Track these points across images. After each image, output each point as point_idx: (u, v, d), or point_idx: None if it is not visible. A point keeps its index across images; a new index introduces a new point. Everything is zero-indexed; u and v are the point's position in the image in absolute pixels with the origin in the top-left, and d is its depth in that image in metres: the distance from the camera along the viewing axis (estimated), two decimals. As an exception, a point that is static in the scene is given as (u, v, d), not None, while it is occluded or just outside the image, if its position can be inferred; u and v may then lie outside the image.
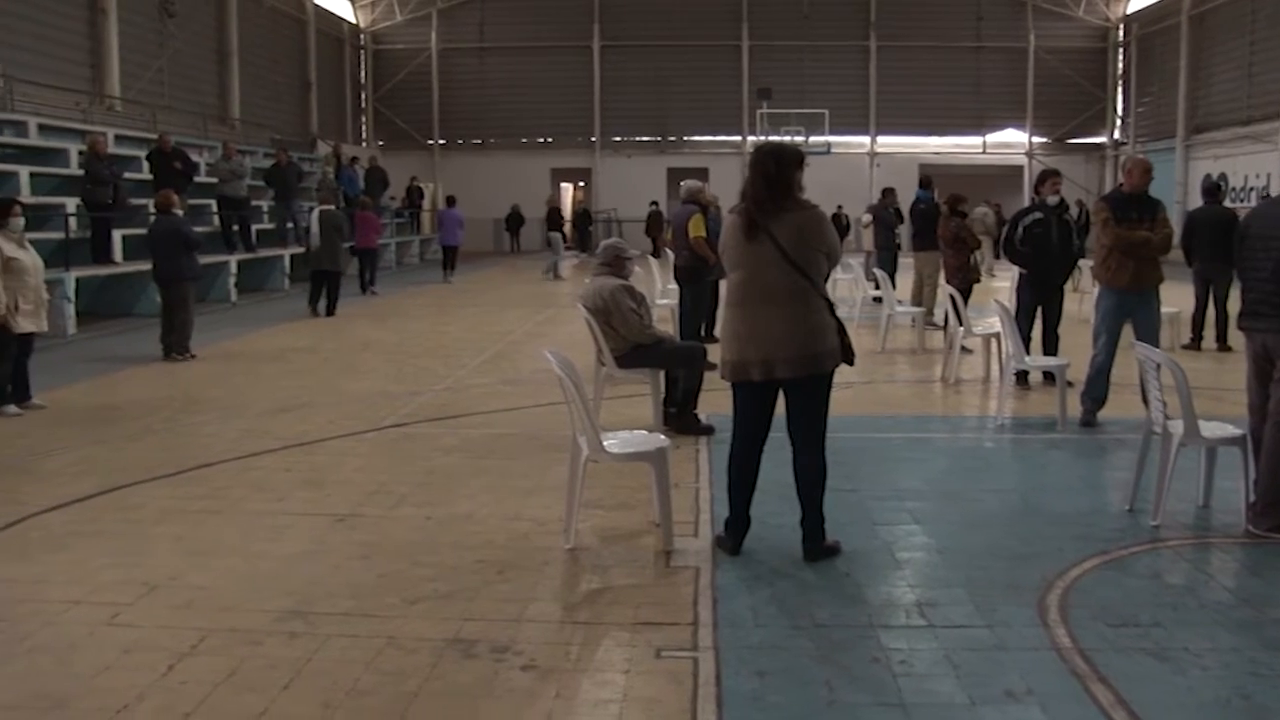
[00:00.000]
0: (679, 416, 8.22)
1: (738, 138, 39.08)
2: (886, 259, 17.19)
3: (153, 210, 18.26)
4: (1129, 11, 38.00)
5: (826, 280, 5.36)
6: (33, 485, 7.09)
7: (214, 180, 20.78)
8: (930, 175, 16.91)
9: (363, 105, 41.13)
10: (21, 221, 9.57)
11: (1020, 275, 10.29)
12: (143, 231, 17.91)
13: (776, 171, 5.21)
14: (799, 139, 30.24)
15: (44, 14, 22.25)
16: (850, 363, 5.39)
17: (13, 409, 9.40)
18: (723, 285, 12.59)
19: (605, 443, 5.58)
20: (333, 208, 18.84)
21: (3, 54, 20.82)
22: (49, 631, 4.62)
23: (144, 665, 4.26)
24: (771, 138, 33.60)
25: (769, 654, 4.31)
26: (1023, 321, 9.81)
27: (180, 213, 13.56)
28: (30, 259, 9.52)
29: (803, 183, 5.30)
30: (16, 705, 3.97)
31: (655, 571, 5.32)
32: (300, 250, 21.01)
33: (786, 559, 5.39)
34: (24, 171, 17.22)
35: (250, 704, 3.94)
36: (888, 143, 38.99)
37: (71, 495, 6.77)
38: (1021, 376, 10.02)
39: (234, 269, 19.73)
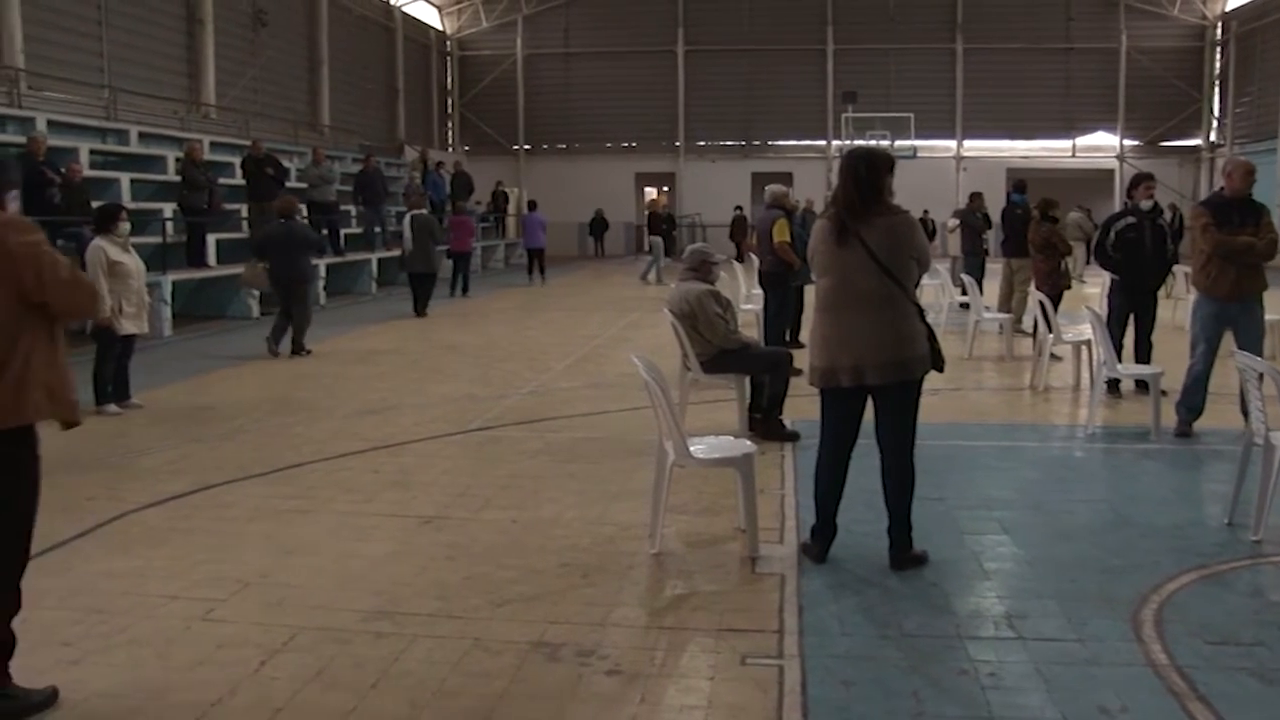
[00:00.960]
0: (764, 422, 8.18)
1: (822, 142, 38.82)
2: (974, 264, 16.95)
3: (244, 215, 18.77)
4: (1228, 9, 36.99)
5: (917, 286, 5.30)
6: (131, 483, 7.28)
7: (303, 185, 21.14)
8: (1024, 179, 16.62)
9: (449, 111, 41.56)
10: (127, 227, 9.87)
11: (1112, 281, 10.09)
12: (237, 235, 18.38)
13: (867, 175, 5.16)
14: (884, 143, 29.95)
15: (146, 27, 22.90)
16: (940, 369, 5.33)
17: (113, 408, 9.66)
18: (808, 290, 12.65)
19: (691, 448, 5.58)
20: (425, 211, 19.17)
21: (110, 67, 21.47)
22: (148, 624, 4.75)
23: (237, 660, 4.35)
24: (857, 142, 33.40)
25: (855, 663, 4.26)
26: (1115, 328, 9.60)
27: (301, 217, 14.13)
28: (133, 263, 9.80)
29: (893, 187, 5.26)
30: (118, 694, 4.09)
31: (740, 578, 5.30)
32: (390, 254, 21.33)
33: (872, 567, 5.33)
34: (125, 178, 17.70)
35: (339, 701, 4.00)
36: (974, 146, 38.41)
37: (168, 493, 6.94)
38: (1113, 384, 9.82)
39: (322, 272, 20.06)
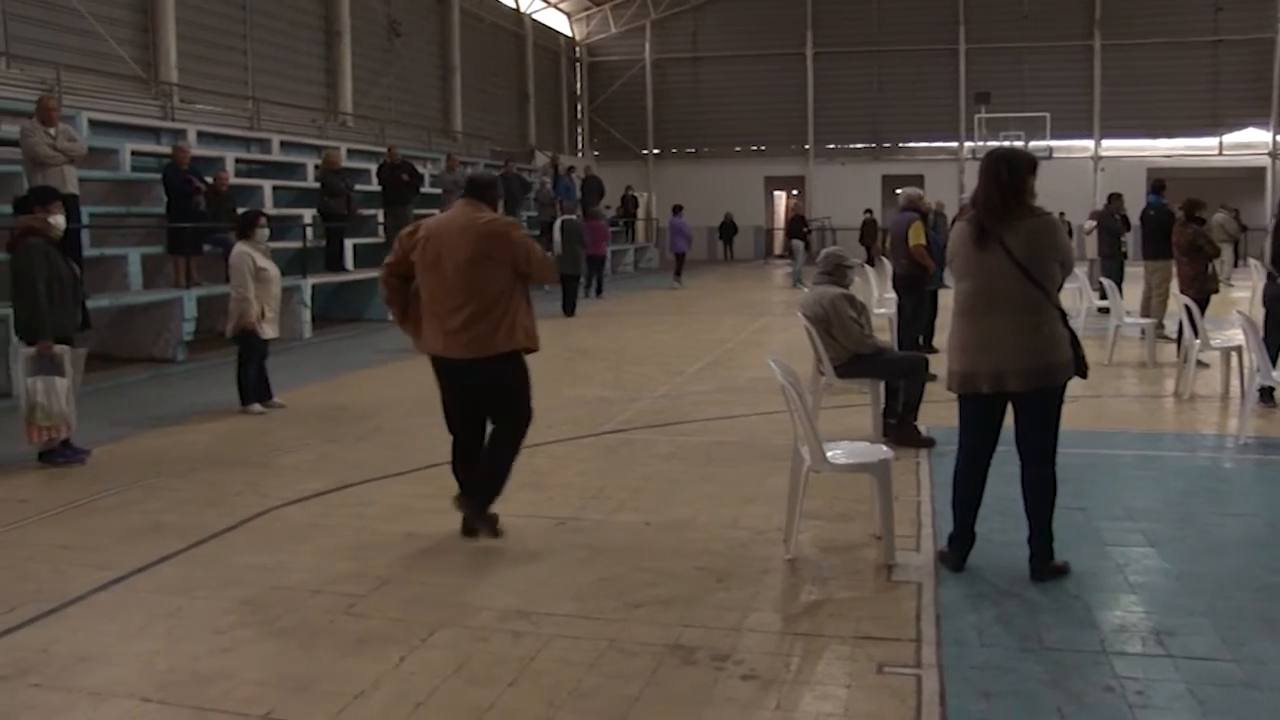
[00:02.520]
0: (899, 428, 8.08)
1: (953, 144, 38.08)
2: (1111, 267, 16.44)
3: (381, 221, 19.19)
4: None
5: (1059, 290, 5.17)
6: (274, 480, 7.53)
7: (438, 191, 21.53)
8: (1163, 179, 16.09)
9: (579, 116, 41.93)
10: (267, 233, 10.21)
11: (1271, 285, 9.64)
12: (374, 240, 18.83)
13: (1009, 177, 5.05)
14: (1018, 143, 29.27)
15: (288, 40, 23.64)
16: (1084, 375, 5.20)
17: (257, 408, 10.00)
18: (941, 294, 12.44)
19: (828, 453, 5.54)
20: (574, 217, 20.00)
21: (254, 79, 22.22)
22: (294, 617, 4.90)
23: (378, 655, 4.46)
24: (990, 144, 32.71)
25: (995, 675, 4.18)
26: (1276, 334, 9.17)
27: None
28: (274, 269, 10.12)
29: (1034, 189, 5.14)
30: (265, 683, 4.23)
31: (876, 585, 5.24)
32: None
33: (1012, 578, 5.21)
34: (267, 185, 18.28)
35: (478, 698, 4.07)
36: (1113, 146, 37.23)
37: (309, 490, 7.15)
38: (1267, 393, 9.41)
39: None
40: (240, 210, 14.81)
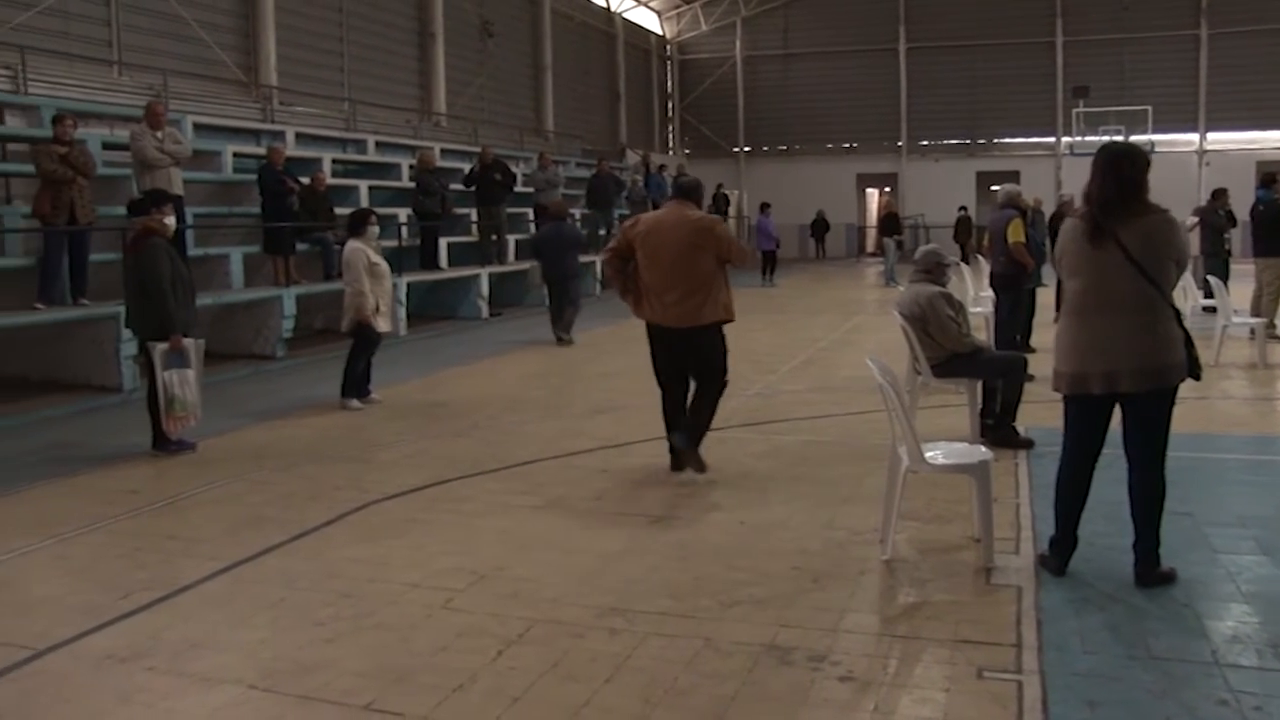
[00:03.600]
0: (997, 429, 7.95)
1: (1051, 139, 37.30)
2: (1216, 265, 15.98)
3: (474, 220, 19.39)
4: None
5: (1174, 288, 5.04)
6: (373, 475, 7.65)
7: (530, 189, 21.69)
8: (1274, 173, 15.60)
9: (669, 114, 41.94)
10: (377, 230, 10.51)
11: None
12: (468, 239, 19.05)
13: (1132, 173, 4.93)
14: (1118, 138, 28.60)
15: (383, 42, 24.00)
16: (1198, 377, 5.05)
17: (355, 403, 10.17)
18: (1040, 293, 12.22)
19: (926, 454, 5.47)
20: None
21: (350, 81, 22.61)
22: (392, 610, 4.97)
23: (475, 649, 4.51)
24: (1089, 138, 32.07)
25: (1100, 684, 4.08)
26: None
27: (568, 219, 15.37)
28: (385, 264, 10.42)
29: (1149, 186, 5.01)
30: (365, 674, 4.30)
31: (975, 588, 5.16)
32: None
33: (1116, 583, 5.09)
34: (363, 185, 18.57)
35: (574, 694, 4.09)
36: (1218, 139, 36.16)
37: (407, 485, 7.25)
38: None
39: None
40: (339, 210, 15.19)
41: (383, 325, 10.36)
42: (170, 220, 8.54)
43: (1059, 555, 5.27)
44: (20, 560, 5.90)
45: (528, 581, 5.32)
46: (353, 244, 10.30)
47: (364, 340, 10.28)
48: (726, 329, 7.42)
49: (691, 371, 7.42)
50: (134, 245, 8.42)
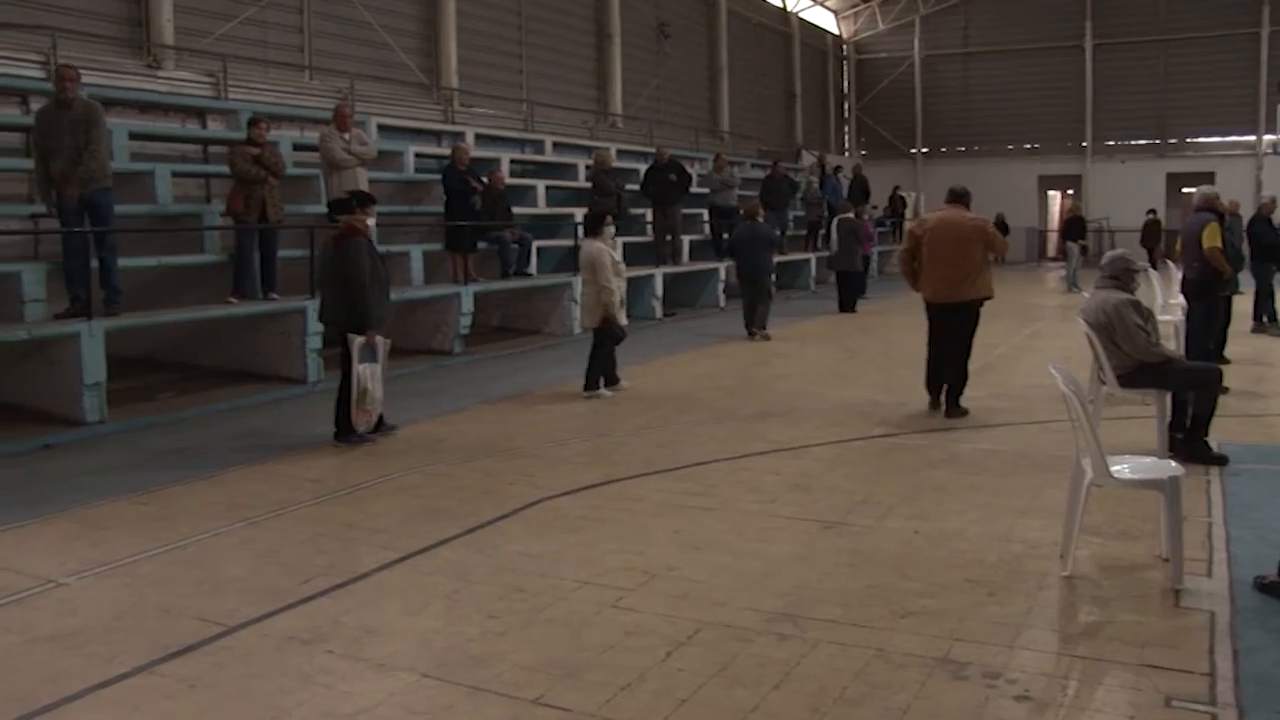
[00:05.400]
0: (1187, 443, 7.58)
1: (1250, 137, 35.40)
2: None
3: (649, 220, 19.51)
4: None
5: None
6: (546, 470, 7.77)
7: (705, 190, 21.70)
8: None
9: (845, 115, 41.49)
10: (612, 230, 11.12)
11: None
12: (642, 240, 19.19)
13: None
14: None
15: (560, 44, 24.42)
16: None
17: (606, 393, 10.85)
18: (1236, 300, 11.63)
19: (1112, 467, 5.25)
20: (851, 215, 20.20)
21: (528, 83, 23.05)
22: (562, 606, 5.03)
23: (644, 649, 4.51)
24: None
25: (1307, 725, 3.81)
26: None
27: (763, 219, 15.85)
28: (623, 264, 11.08)
29: None
30: (535, 668, 4.35)
31: (1162, 610, 4.92)
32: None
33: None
34: (540, 185, 18.88)
35: (741, 699, 4.06)
36: None
37: (579, 482, 7.34)
38: None
39: (723, 275, 20.54)
40: (524, 209, 15.51)
41: (623, 319, 10.97)
42: (372, 221, 8.91)
43: None
44: (213, 541, 6.19)
45: (698, 583, 5.31)
46: (594, 244, 10.84)
47: (609, 335, 10.82)
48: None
49: (954, 337, 9.50)
50: (337, 242, 8.80)
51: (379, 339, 8.77)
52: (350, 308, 8.67)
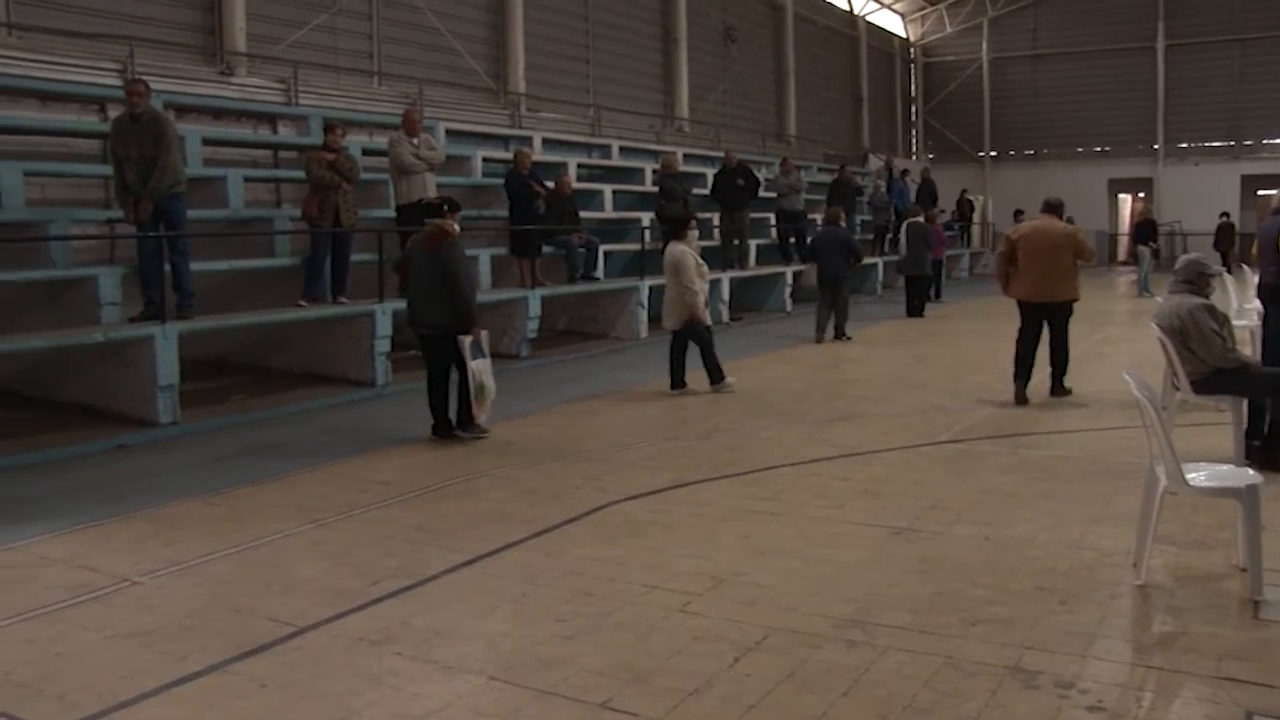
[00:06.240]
0: (1265, 451, 7.42)
1: (1328, 138, 34.63)
2: None
3: (716, 225, 19.49)
4: None
5: None
6: (612, 475, 7.78)
7: (773, 195, 21.63)
8: None
9: (913, 118, 41.15)
10: (696, 233, 11.55)
11: None
12: (710, 244, 19.17)
13: None
14: None
15: (627, 49, 24.48)
16: None
17: (730, 382, 11.25)
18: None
19: (1187, 474, 5.15)
20: (920, 220, 20.18)
21: (594, 87, 23.15)
22: (630, 611, 5.03)
23: (712, 654, 4.50)
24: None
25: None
26: None
27: (844, 225, 16.22)
28: (705, 265, 11.35)
29: None
30: (602, 671, 4.36)
31: (1240, 622, 4.82)
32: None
33: None
34: (607, 189, 18.94)
35: (810, 705, 4.03)
36: None
37: (647, 487, 7.34)
38: None
39: (790, 279, 20.46)
40: (591, 213, 15.56)
41: (707, 319, 11.33)
42: (457, 225, 9.31)
43: None
44: (284, 542, 6.28)
45: (766, 588, 5.29)
46: (678, 246, 11.22)
47: (705, 334, 11.23)
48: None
49: (1051, 333, 10.44)
50: (433, 245, 9.04)
51: (483, 333, 9.16)
52: (454, 308, 8.93)
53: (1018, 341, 10.46)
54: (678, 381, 11.28)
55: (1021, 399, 10.25)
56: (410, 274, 9.26)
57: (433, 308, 9.03)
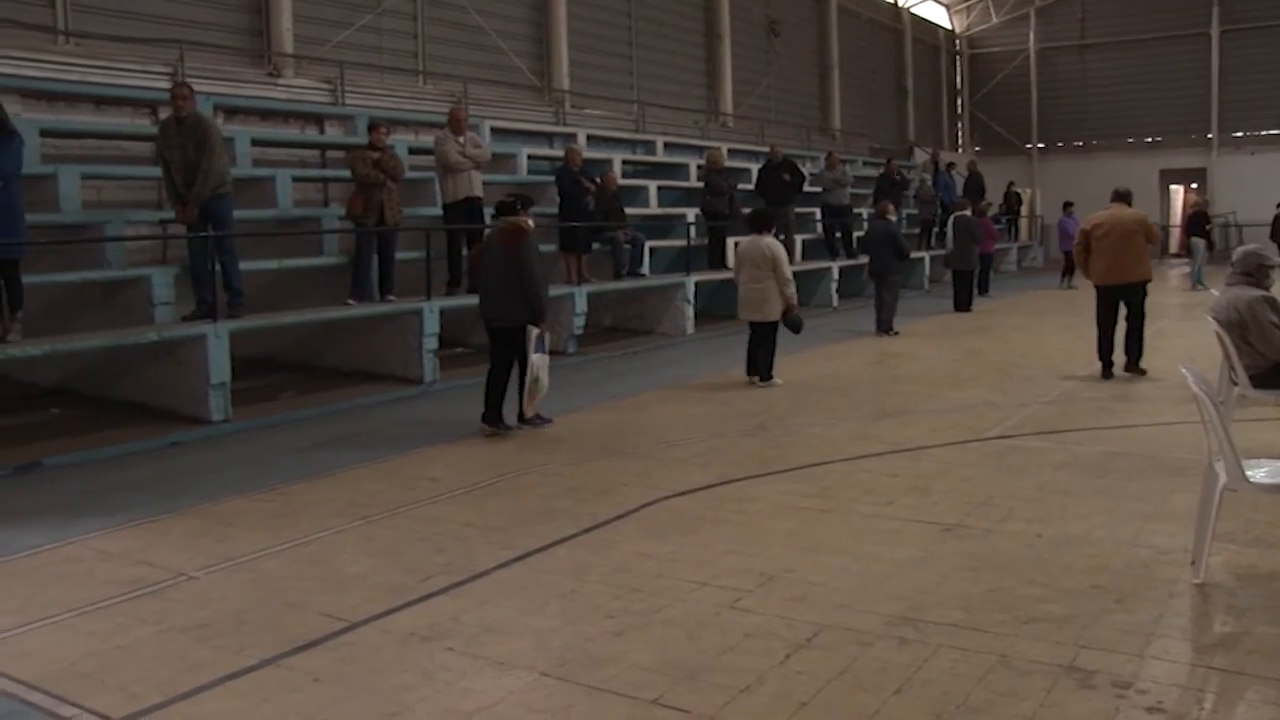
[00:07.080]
0: (1326, 446, 7.32)
1: (1392, 125, 33.86)
2: None
3: (758, 219, 19.42)
4: None
5: None
6: (661, 471, 7.78)
7: (818, 189, 21.53)
8: None
9: (959, 110, 40.78)
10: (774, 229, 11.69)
11: None
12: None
13: None
14: None
15: (670, 44, 24.46)
16: None
17: (778, 381, 11.40)
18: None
19: (1247, 471, 5.06)
20: (967, 213, 19.97)
21: (639, 84, 23.15)
22: (680, 607, 5.01)
23: (763, 651, 4.48)
24: None
25: None
26: None
27: (893, 219, 16.40)
28: None
29: None
30: (652, 669, 4.35)
31: (1303, 622, 4.73)
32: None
33: None
34: (652, 185, 18.94)
35: (862, 703, 4.00)
36: None
37: (695, 483, 7.32)
38: None
39: (836, 275, 20.35)
40: (636, 209, 15.55)
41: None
42: (532, 222, 9.47)
43: None
44: (335, 539, 6.32)
45: (816, 585, 5.26)
46: (766, 239, 11.49)
47: (793, 323, 11.57)
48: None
49: (1129, 311, 11.10)
50: (510, 242, 9.15)
51: (547, 332, 9.37)
52: (527, 303, 9.05)
53: (1098, 324, 11.21)
54: (766, 373, 11.53)
55: (1107, 374, 11.10)
56: (483, 269, 9.38)
57: (505, 302, 9.13)
